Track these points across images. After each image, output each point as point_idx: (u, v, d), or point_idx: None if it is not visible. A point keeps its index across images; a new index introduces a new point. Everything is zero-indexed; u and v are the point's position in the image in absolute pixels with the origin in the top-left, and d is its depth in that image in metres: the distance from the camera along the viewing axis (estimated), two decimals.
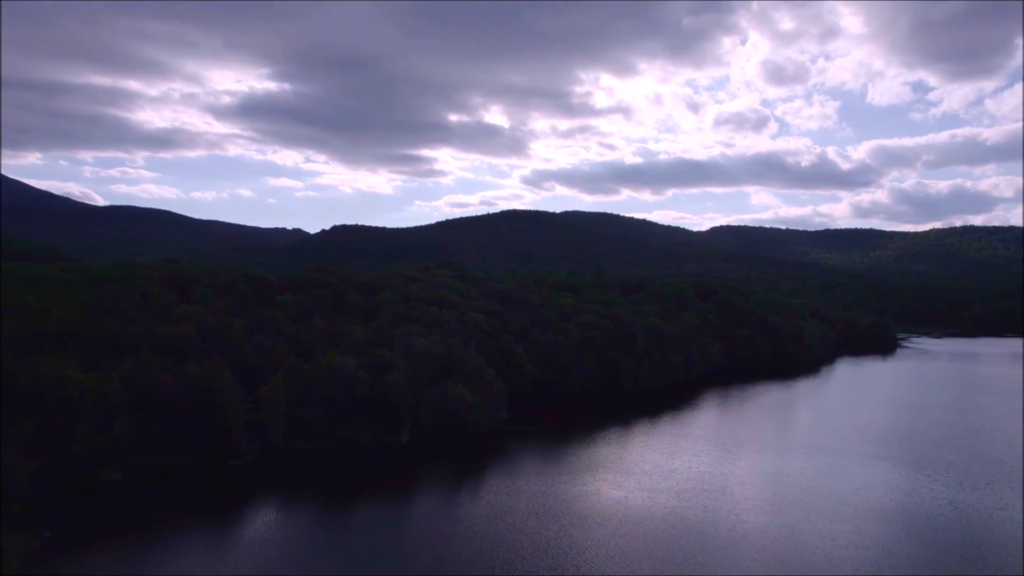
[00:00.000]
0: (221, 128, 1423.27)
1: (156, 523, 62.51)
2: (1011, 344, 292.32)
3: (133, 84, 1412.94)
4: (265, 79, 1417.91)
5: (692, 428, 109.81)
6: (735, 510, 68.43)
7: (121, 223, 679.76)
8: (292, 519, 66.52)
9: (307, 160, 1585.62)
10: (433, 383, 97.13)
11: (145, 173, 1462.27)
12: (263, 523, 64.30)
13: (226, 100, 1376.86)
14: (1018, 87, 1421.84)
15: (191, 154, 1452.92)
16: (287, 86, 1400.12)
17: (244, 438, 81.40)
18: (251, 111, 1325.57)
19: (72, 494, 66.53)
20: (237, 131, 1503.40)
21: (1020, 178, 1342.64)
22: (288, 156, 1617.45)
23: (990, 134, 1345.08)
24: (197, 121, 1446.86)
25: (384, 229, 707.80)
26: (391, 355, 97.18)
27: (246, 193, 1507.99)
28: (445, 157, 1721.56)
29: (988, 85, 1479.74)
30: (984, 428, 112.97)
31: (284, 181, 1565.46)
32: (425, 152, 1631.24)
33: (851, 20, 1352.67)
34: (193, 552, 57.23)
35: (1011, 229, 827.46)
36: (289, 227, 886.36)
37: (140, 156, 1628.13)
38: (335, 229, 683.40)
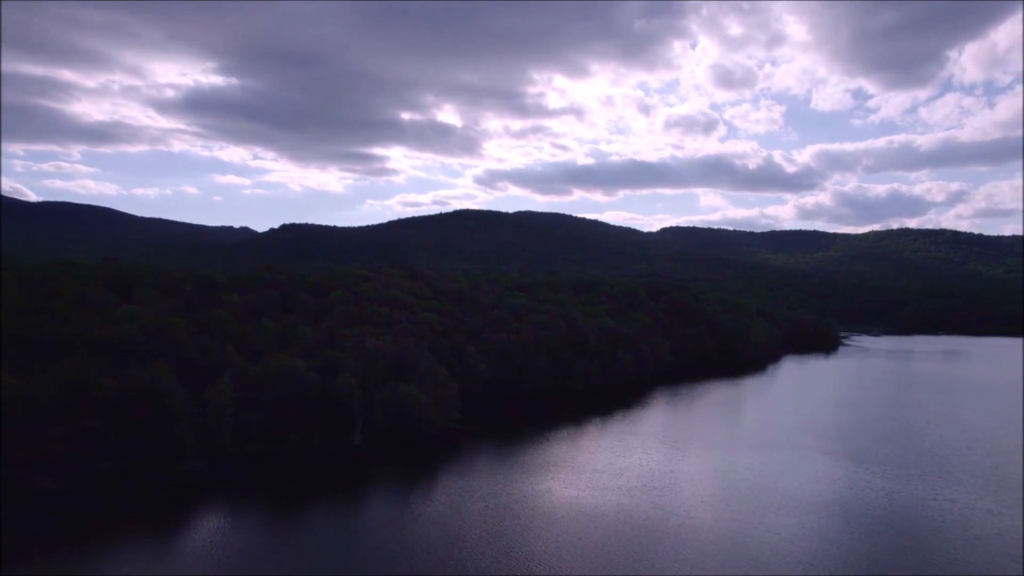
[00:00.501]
0: (164, 123, 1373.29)
1: (94, 533, 60.34)
2: (943, 342, 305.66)
3: (68, 74, 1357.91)
4: (211, 73, 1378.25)
5: (642, 426, 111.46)
6: (684, 506, 69.76)
7: (56, 220, 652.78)
8: (240, 525, 65.02)
9: (255, 157, 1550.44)
10: (385, 384, 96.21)
11: (82, 168, 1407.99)
12: (210, 530, 62.66)
13: (170, 94, 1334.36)
14: (949, 96, 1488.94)
15: (132, 149, 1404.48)
16: (234, 81, 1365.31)
17: (190, 443, 79.14)
18: (196, 106, 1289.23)
19: (1, 505, 63.59)
20: (181, 126, 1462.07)
21: (950, 183, 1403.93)
22: (235, 153, 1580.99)
23: (923, 141, 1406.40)
24: (139, 115, 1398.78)
25: (335, 228, 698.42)
26: (342, 356, 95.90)
27: (191, 190, 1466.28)
28: (397, 156, 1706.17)
29: (922, 94, 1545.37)
30: (918, 423, 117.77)
31: (231, 178, 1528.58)
32: (377, 150, 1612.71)
33: (796, 28, 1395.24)
34: (134, 562, 55.39)
35: (942, 232, 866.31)
36: (236, 225, 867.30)
37: (76, 150, 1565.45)
38: (284, 228, 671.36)
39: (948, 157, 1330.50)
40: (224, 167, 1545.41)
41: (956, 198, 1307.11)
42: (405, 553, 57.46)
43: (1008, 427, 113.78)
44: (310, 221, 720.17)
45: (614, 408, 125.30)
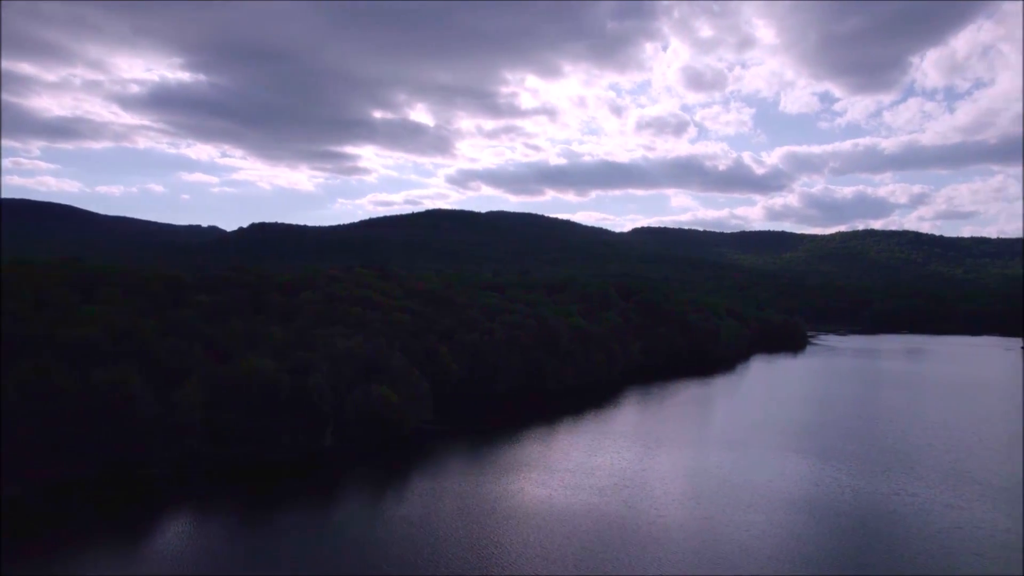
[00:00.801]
0: (129, 119, 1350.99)
1: (58, 540, 58.93)
2: (906, 340, 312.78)
3: (26, 68, 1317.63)
4: (177, 69, 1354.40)
5: (614, 425, 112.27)
6: (655, 505, 70.45)
7: (15, 218, 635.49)
8: (208, 529, 64.08)
9: (223, 155, 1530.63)
10: (357, 385, 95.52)
11: (42, 164, 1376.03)
12: (176, 534, 61.65)
13: (134, 89, 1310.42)
14: (911, 101, 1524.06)
15: (96, 145, 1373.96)
16: (202, 77, 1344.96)
17: (157, 446, 77.77)
18: (162, 102, 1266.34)
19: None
20: (147, 122, 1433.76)
21: (913, 186, 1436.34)
22: (203, 150, 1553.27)
23: (887, 144, 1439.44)
24: (102, 110, 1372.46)
25: (305, 228, 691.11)
26: (313, 356, 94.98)
27: (157, 188, 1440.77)
28: (369, 155, 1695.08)
29: (886, 98, 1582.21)
30: (882, 420, 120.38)
31: (199, 176, 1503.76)
32: (348, 149, 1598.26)
33: (765, 31, 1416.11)
34: (99, 566, 54.25)
35: (905, 233, 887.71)
36: (204, 224, 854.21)
37: (36, 146, 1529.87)
38: (254, 227, 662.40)
39: (911, 160, 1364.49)
40: (191, 165, 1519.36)
41: (918, 200, 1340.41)
42: (376, 555, 57.16)
43: (967, 423, 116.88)
44: (280, 220, 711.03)
45: (586, 407, 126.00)
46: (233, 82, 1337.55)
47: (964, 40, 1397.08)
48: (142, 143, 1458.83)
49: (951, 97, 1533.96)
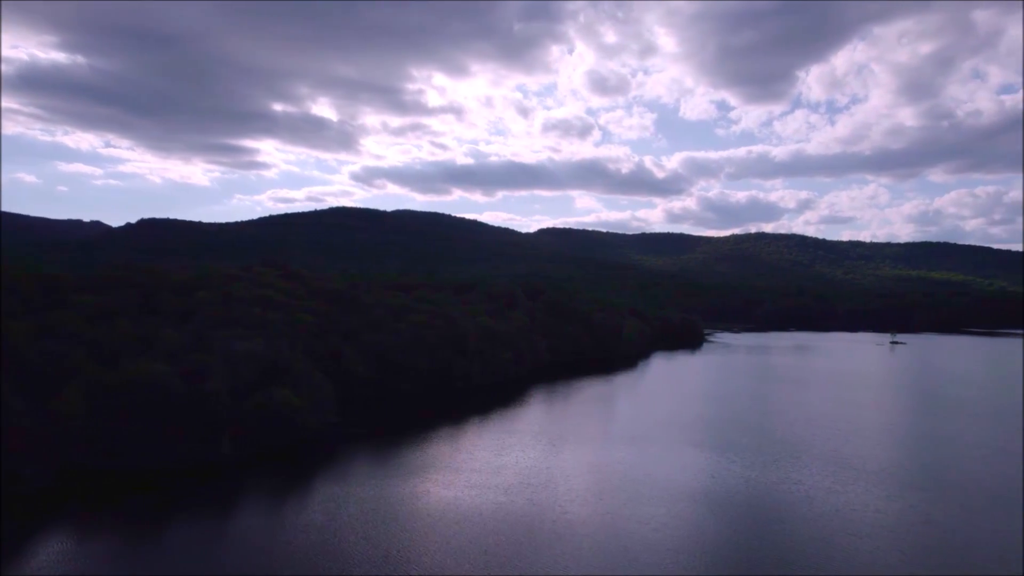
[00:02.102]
0: None
1: None
2: (794, 337, 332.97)
3: None
4: (51, 48, 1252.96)
5: (520, 424, 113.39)
6: (559, 502, 71.67)
7: None
8: (90, 550, 59.77)
9: (108, 145, 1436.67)
10: (257, 388, 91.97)
11: None
12: (51, 557, 57.18)
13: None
14: (798, 112, 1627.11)
15: None
16: (80, 59, 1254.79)
17: (31, 460, 71.92)
18: (33, 84, 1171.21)
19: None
20: (15, 106, 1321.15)
21: (799, 192, 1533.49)
22: (83, 139, 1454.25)
23: (777, 152, 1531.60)
24: None
25: (200, 224, 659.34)
26: (209, 360, 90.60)
27: (29, 179, 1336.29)
28: (269, 149, 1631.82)
29: (777, 109, 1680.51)
30: (772, 412, 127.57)
31: (79, 167, 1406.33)
32: (247, 143, 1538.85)
33: (666, 39, 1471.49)
34: None
35: (793, 236, 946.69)
36: (86, 219, 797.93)
37: None
38: (143, 223, 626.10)
39: (798, 168, 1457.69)
40: (70, 154, 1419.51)
41: (804, 205, 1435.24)
42: (277, 565, 55.18)
43: (844, 412, 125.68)
44: (172, 216, 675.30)
45: (493, 407, 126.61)
46: (118, 66, 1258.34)
47: (843, 59, 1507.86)
48: (10, 129, 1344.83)
49: (832, 110, 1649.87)
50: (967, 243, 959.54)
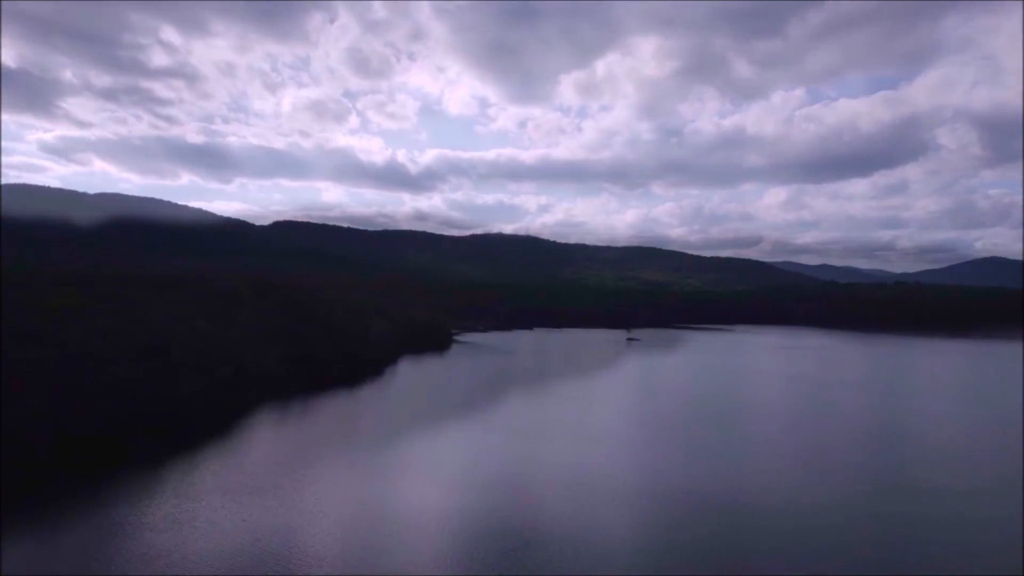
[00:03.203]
0: None
1: None
2: (536, 334, 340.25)
3: None
4: None
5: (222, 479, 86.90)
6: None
7: None
8: None
9: None
10: None
11: None
12: None
13: None
14: (552, 116, 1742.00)
15: None
16: None
17: None
18: None
19: None
20: None
21: (540, 196, 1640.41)
22: None
23: (527, 156, 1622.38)
24: None
25: None
26: None
27: None
28: None
29: (536, 111, 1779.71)
30: (521, 415, 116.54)
31: None
32: None
33: (437, 25, 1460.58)
34: None
35: (529, 238, 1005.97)
36: None
37: None
38: None
39: (544, 172, 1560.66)
40: None
41: (544, 209, 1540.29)
42: None
43: (585, 408, 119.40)
44: None
45: (180, 452, 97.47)
46: None
47: (602, 67, 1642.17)
48: None
49: (582, 115, 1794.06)
50: (670, 248, 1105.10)
